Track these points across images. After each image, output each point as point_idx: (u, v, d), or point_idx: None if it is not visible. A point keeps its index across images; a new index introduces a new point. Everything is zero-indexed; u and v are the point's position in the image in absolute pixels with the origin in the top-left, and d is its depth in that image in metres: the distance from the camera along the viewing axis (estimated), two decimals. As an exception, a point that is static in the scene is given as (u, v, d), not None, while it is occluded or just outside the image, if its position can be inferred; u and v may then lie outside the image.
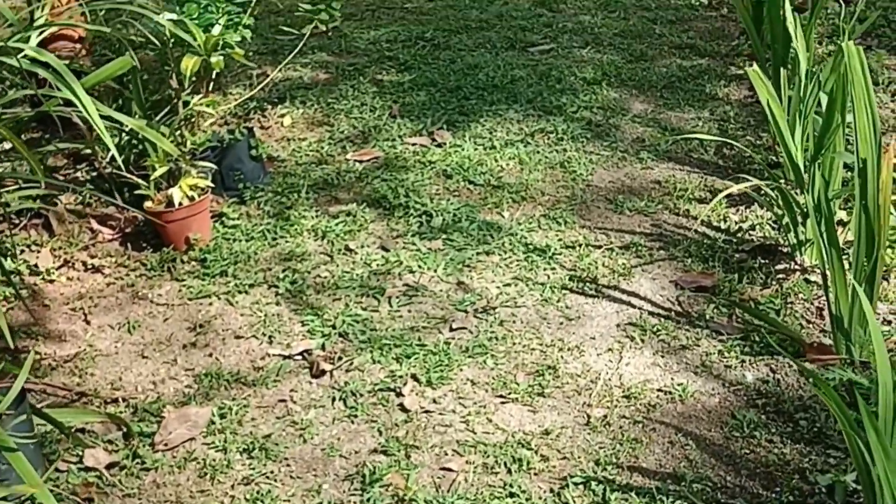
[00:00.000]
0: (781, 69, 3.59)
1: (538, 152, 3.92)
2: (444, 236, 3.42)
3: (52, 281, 3.34)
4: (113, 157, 3.76)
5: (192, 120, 3.62)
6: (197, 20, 3.62)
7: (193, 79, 3.59)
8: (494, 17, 5.17)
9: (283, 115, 4.27)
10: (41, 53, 2.91)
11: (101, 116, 2.94)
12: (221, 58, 3.64)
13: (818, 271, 3.07)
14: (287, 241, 3.45)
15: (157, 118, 3.69)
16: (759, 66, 4.19)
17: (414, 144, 4.01)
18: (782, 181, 3.54)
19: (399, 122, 4.17)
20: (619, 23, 5.05)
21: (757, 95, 4.21)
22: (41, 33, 3.58)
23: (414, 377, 2.79)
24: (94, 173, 3.79)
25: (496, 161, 3.87)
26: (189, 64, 3.41)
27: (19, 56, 2.98)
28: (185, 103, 3.59)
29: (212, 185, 3.48)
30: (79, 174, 3.82)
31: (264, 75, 4.66)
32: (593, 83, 4.44)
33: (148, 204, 3.43)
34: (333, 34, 5.07)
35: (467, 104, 4.27)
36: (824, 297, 2.94)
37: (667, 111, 4.18)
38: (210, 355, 2.96)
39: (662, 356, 2.82)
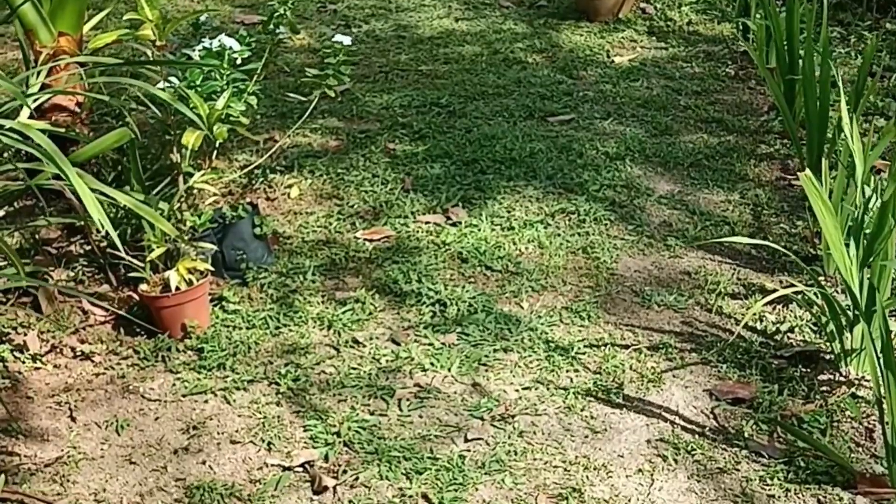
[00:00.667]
0: (822, 160, 3.38)
1: (559, 235, 3.70)
2: (458, 329, 3.19)
3: (37, 368, 3.11)
4: (107, 233, 3.56)
5: (193, 196, 3.40)
6: (199, 87, 3.41)
7: (195, 151, 3.38)
8: (512, 82, 4.97)
9: (290, 186, 4.06)
10: (28, 128, 2.70)
11: (94, 190, 2.74)
12: (225, 128, 3.44)
13: (866, 385, 2.83)
14: (290, 331, 3.22)
15: (157, 191, 3.48)
16: (794, 146, 3.99)
17: (427, 223, 3.79)
18: (822, 278, 3.31)
19: (412, 197, 3.95)
20: (642, 92, 4.85)
21: (790, 178, 4.01)
22: (36, 101, 3.38)
23: (425, 497, 2.55)
24: (89, 247, 3.57)
25: (514, 244, 3.65)
26: (191, 139, 3.20)
27: (6, 129, 2.78)
28: (189, 174, 3.38)
29: (211, 268, 3.26)
30: (73, 247, 3.61)
31: (272, 140, 4.46)
32: (616, 158, 4.22)
33: (143, 287, 3.21)
34: (344, 97, 4.87)
35: (484, 179, 4.06)
36: (874, 417, 2.71)
37: (694, 192, 3.97)
38: (203, 462, 2.72)
39: (698, 480, 2.58)
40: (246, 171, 4.01)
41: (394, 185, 4.05)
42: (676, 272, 3.49)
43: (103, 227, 2.64)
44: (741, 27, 5.29)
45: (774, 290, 3.21)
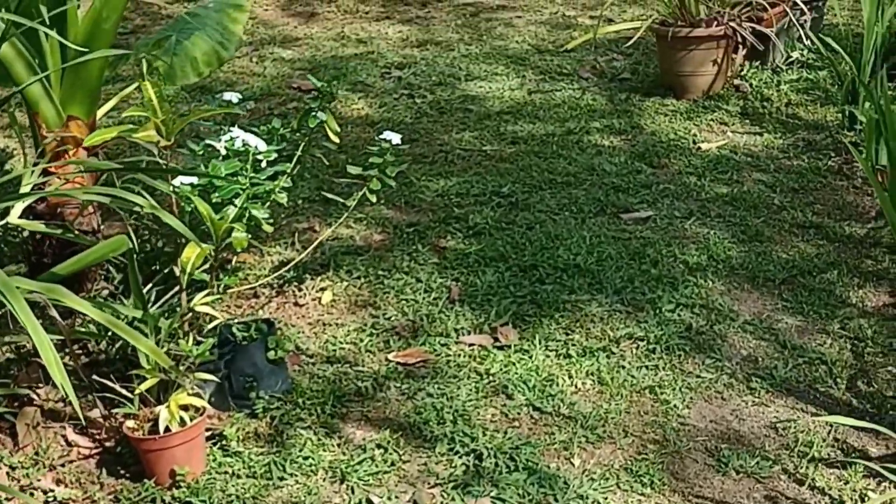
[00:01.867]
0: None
1: (623, 368, 3.17)
2: (493, 492, 2.68)
3: (2, 515, 2.68)
4: (105, 345, 3.14)
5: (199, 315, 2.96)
6: (219, 191, 2.98)
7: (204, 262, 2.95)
8: (585, 170, 4.46)
9: (323, 290, 3.61)
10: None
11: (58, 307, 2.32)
12: (245, 236, 3.00)
13: None
14: (297, 482, 2.75)
15: (163, 301, 3.06)
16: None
17: (472, 345, 3.29)
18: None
19: (457, 311, 3.46)
20: (731, 187, 4.30)
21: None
22: (29, 199, 2.98)
23: None
24: (87, 358, 3.16)
25: (570, 378, 3.13)
26: (191, 257, 2.76)
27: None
28: (202, 283, 2.95)
29: (208, 405, 2.81)
30: (66, 358, 3.19)
31: (311, 231, 4.02)
32: (696, 270, 3.68)
33: (129, 424, 2.77)
34: (398, 180, 4.41)
35: (542, 290, 3.55)
36: None
37: (786, 318, 3.40)
38: None
39: None
40: (276, 274, 3.58)
41: (438, 293, 3.57)
42: (761, 425, 2.93)
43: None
44: (847, 115, 4.70)
45: (880, 457, 2.64)
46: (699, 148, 4.65)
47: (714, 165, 4.49)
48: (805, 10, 5.18)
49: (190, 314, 2.88)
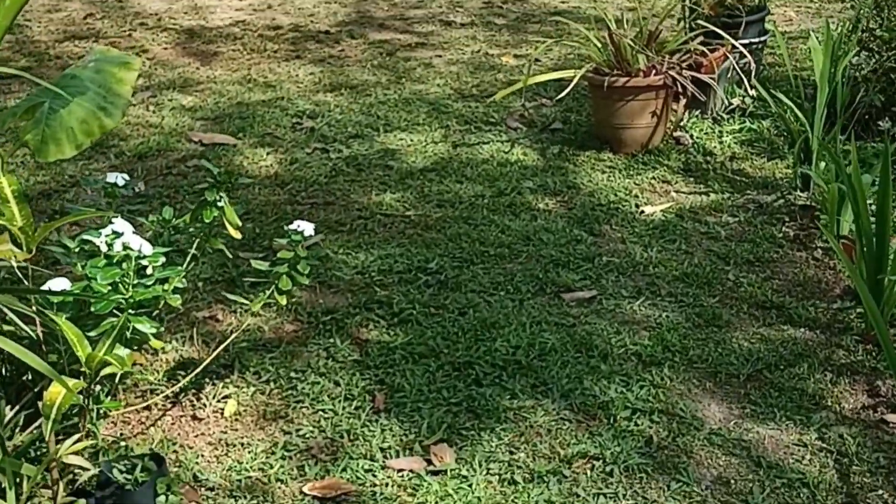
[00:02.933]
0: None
1: (578, 497, 2.73)
2: None
3: None
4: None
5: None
6: (96, 305, 2.48)
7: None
8: (520, 239, 4.03)
9: (226, 398, 3.11)
10: None
11: None
12: (127, 355, 2.50)
13: None
14: None
15: (29, 430, 2.54)
16: (886, 357, 3.05)
17: (400, 471, 2.82)
18: None
19: (383, 424, 2.99)
20: (681, 259, 3.90)
21: (883, 411, 3.04)
22: None
23: None
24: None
25: (517, 512, 2.69)
26: (56, 399, 2.25)
27: None
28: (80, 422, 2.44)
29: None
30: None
31: (213, 321, 3.52)
32: (651, 363, 3.27)
33: None
34: (311, 254, 3.93)
35: (479, 395, 3.10)
36: None
37: (756, 426, 3.00)
38: None
39: None
40: (170, 390, 3.07)
41: (360, 401, 3.09)
42: (741, 570, 2.52)
43: None
44: (800, 178, 4.35)
45: None
46: (642, 212, 4.25)
47: (660, 233, 4.09)
48: (746, 54, 4.83)
49: (55, 462, 2.37)
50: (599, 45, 4.83)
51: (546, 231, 4.09)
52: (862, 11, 4.87)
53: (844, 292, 3.66)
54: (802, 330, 3.48)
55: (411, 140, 4.99)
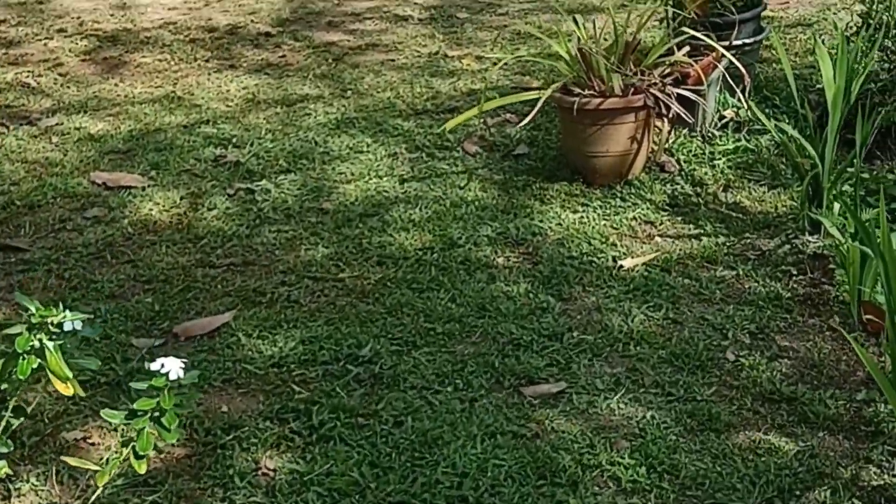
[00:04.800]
0: None
1: None
2: None
3: None
4: None
5: None
6: None
7: None
8: (474, 309, 3.33)
9: (87, 567, 2.43)
10: None
11: None
12: None
13: None
14: None
15: None
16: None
17: None
18: None
19: None
20: (668, 332, 3.20)
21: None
22: None
23: None
24: None
25: None
26: None
27: None
28: None
29: None
30: None
31: (85, 444, 2.82)
32: (632, 492, 2.59)
33: None
34: (219, 337, 3.24)
35: (414, 554, 2.42)
36: None
37: (769, 590, 2.33)
38: None
39: None
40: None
41: (260, 569, 2.41)
42: None
43: None
44: (808, 219, 3.64)
45: None
46: (621, 266, 3.55)
47: (643, 295, 3.39)
48: (739, 66, 4.11)
49: None
50: (568, 56, 4.11)
51: (506, 297, 3.39)
52: (875, 6, 4.16)
53: (869, 377, 2.97)
54: (821, 434, 2.79)
55: (352, 173, 4.27)
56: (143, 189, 4.19)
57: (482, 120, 4.62)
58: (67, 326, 2.20)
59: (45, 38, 6.11)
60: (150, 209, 4.04)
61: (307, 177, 4.25)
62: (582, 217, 3.87)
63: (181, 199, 4.11)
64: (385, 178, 4.22)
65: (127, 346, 3.19)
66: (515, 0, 6.53)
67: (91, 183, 4.26)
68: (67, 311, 2.18)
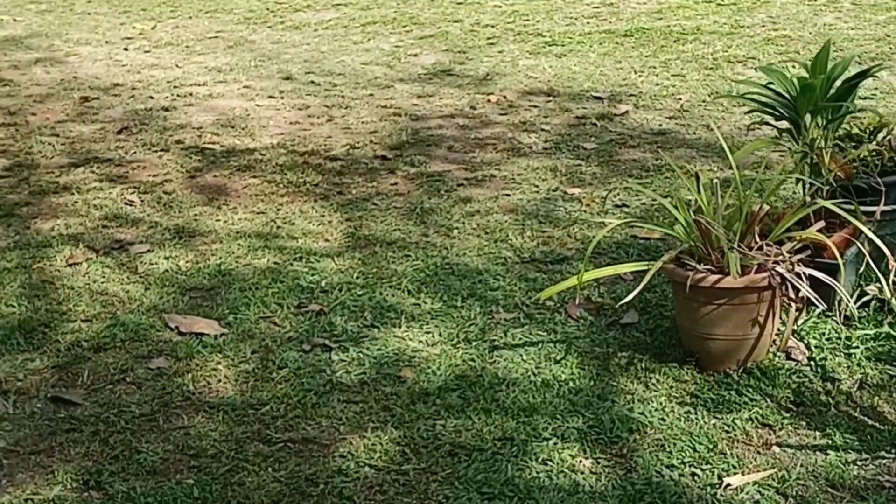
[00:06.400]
0: None
1: None
2: None
3: None
4: None
5: None
6: None
7: None
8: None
9: None
10: None
11: None
12: None
13: None
14: None
15: None
16: None
17: None
18: None
19: None
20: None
21: None
22: None
23: None
24: None
25: None
26: None
27: None
28: None
29: None
30: None
31: None
32: None
33: None
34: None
35: None
36: None
37: None
38: None
39: None
40: None
41: None
42: None
43: None
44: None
45: None
46: (727, 486, 3.04)
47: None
48: (882, 246, 3.57)
49: None
50: (685, 223, 3.65)
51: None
52: None
53: None
54: None
55: (440, 334, 3.89)
56: (216, 338, 3.90)
57: (578, 304, 4.11)
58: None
59: (161, 150, 6.00)
60: (217, 364, 3.74)
61: (391, 335, 3.89)
62: (689, 412, 3.38)
63: (252, 352, 3.81)
64: (474, 344, 3.82)
65: (155, 540, 2.87)
66: (649, 131, 6.12)
67: (164, 325, 4.00)
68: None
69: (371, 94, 6.95)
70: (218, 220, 4.98)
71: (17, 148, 5.92)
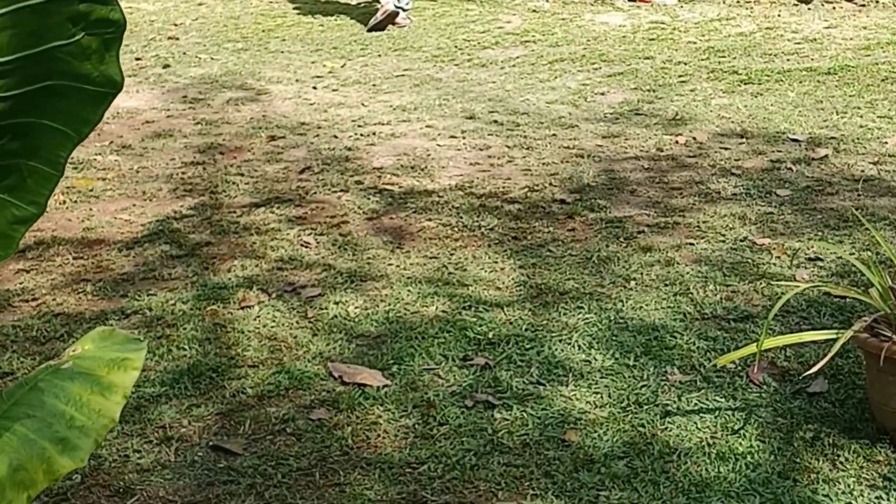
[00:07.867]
0: None
1: None
2: None
3: None
4: None
5: None
6: None
7: None
8: None
9: None
10: None
11: None
12: None
13: None
14: None
15: None
16: None
17: None
18: None
19: None
20: None
21: None
22: None
23: None
24: None
25: None
26: None
27: None
28: None
29: None
30: None
31: None
32: None
33: None
34: None
35: None
36: None
37: None
38: None
39: None
40: None
41: None
42: None
43: None
44: None
45: None
46: (923, 590, 2.73)
47: None
48: None
49: None
50: (880, 287, 3.34)
51: None
52: None
53: None
54: None
55: (609, 396, 3.69)
56: (378, 390, 3.81)
57: (756, 372, 3.85)
58: None
59: (341, 191, 6.01)
60: (378, 417, 3.65)
61: (557, 394, 3.72)
62: (880, 498, 3.07)
63: (414, 407, 3.70)
64: (645, 408, 3.60)
65: None
66: (850, 177, 5.73)
67: (328, 374, 3.95)
68: None
69: (554, 135, 6.80)
70: (391, 265, 4.93)
71: (203, 187, 6.04)
